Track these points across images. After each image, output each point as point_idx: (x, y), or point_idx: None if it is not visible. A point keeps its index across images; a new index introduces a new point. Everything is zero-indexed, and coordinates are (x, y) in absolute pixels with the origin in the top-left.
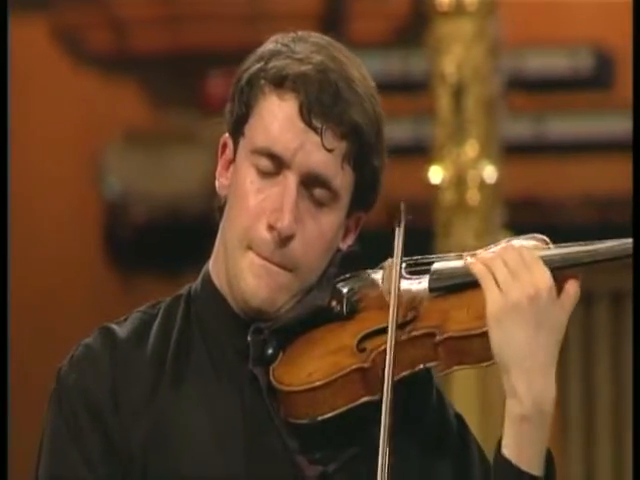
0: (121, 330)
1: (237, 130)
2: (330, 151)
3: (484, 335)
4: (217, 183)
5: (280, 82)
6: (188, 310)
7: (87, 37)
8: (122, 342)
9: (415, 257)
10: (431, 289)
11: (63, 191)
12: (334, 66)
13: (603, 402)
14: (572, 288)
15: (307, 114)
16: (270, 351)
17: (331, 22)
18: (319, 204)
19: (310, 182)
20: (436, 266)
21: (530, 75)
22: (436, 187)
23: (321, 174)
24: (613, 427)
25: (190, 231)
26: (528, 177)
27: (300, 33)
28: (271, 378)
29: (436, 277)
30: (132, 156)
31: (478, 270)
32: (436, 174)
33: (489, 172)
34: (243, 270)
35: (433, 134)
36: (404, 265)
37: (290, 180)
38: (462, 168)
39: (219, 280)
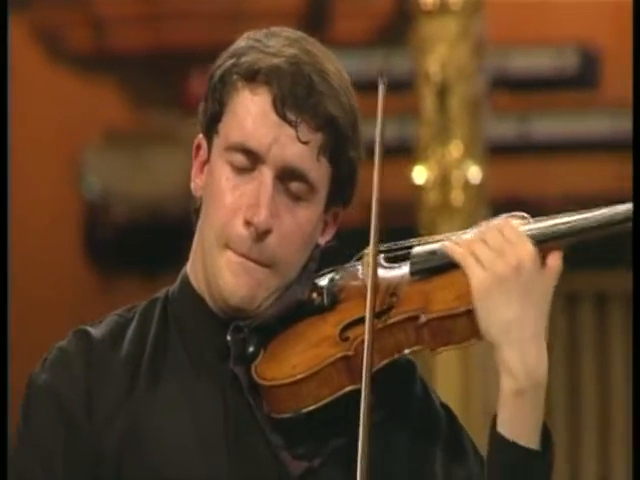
0: (96, 332)
1: (211, 129)
2: (305, 144)
3: (468, 313)
4: (192, 185)
5: (252, 76)
6: (165, 312)
7: (66, 36)
8: (97, 344)
9: (393, 243)
10: (412, 273)
11: (43, 191)
12: (307, 59)
13: (588, 403)
14: (554, 260)
15: (281, 107)
16: (251, 349)
17: (314, 21)
18: (296, 198)
19: (286, 176)
20: (416, 250)
21: (515, 74)
22: (420, 187)
23: (297, 167)
24: (598, 427)
25: (171, 232)
26: (512, 177)
27: (273, 29)
28: (253, 375)
29: (416, 260)
30: (112, 156)
31: (458, 253)
32: (420, 174)
33: (473, 172)
34: (221, 268)
35: (417, 134)
36: (382, 256)
37: (265, 175)
38: (446, 168)
39: (197, 281)
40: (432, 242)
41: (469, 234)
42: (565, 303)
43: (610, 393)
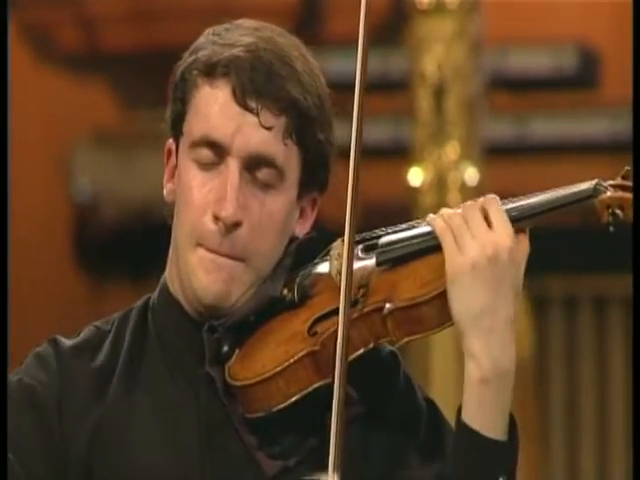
0: (69, 342)
1: (177, 130)
2: (269, 129)
3: (432, 301)
4: (165, 190)
5: (211, 70)
6: (144, 319)
7: (55, 35)
8: (68, 351)
9: (365, 233)
10: (378, 263)
11: (31, 193)
12: (267, 45)
13: (587, 406)
14: (522, 243)
15: (241, 96)
16: (225, 349)
17: (307, 19)
18: (265, 186)
19: (253, 165)
20: (383, 239)
21: (512, 74)
22: (416, 189)
23: (262, 154)
24: (597, 429)
25: (162, 235)
26: (510, 179)
27: (236, 22)
28: (226, 376)
29: (382, 250)
30: (102, 157)
31: (439, 227)
32: (416, 176)
33: (470, 174)
34: (194, 267)
35: (413, 135)
36: (359, 247)
37: (232, 166)
38: (442, 170)
39: (173, 285)
40: (401, 230)
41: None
42: (565, 306)
43: (609, 396)
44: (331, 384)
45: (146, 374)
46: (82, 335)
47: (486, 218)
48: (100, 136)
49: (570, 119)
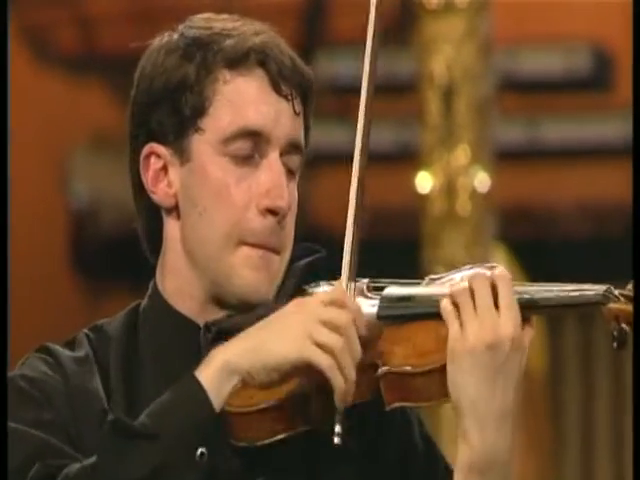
0: (66, 351)
1: (187, 129)
2: (298, 115)
3: (429, 374)
4: (156, 197)
5: (242, 59)
6: (134, 327)
7: (52, 36)
8: (67, 360)
9: (373, 280)
10: (379, 317)
11: (27, 198)
12: (272, 32)
13: (601, 419)
14: (527, 332)
15: (277, 83)
16: None
17: (312, 18)
18: (292, 173)
19: (287, 152)
20: (387, 291)
21: (524, 76)
22: (424, 196)
23: (296, 140)
24: (612, 445)
25: None
26: (522, 184)
27: (217, 16)
28: None
29: (385, 305)
30: (100, 161)
31: (445, 306)
32: (424, 182)
33: (481, 179)
34: (237, 267)
35: (421, 139)
36: (365, 282)
37: (273, 156)
38: (452, 175)
39: (165, 290)
40: (409, 284)
41: (461, 275)
42: (579, 319)
43: (624, 409)
44: (321, 432)
45: (141, 382)
46: (76, 345)
47: (495, 296)
48: (98, 139)
49: (583, 122)
